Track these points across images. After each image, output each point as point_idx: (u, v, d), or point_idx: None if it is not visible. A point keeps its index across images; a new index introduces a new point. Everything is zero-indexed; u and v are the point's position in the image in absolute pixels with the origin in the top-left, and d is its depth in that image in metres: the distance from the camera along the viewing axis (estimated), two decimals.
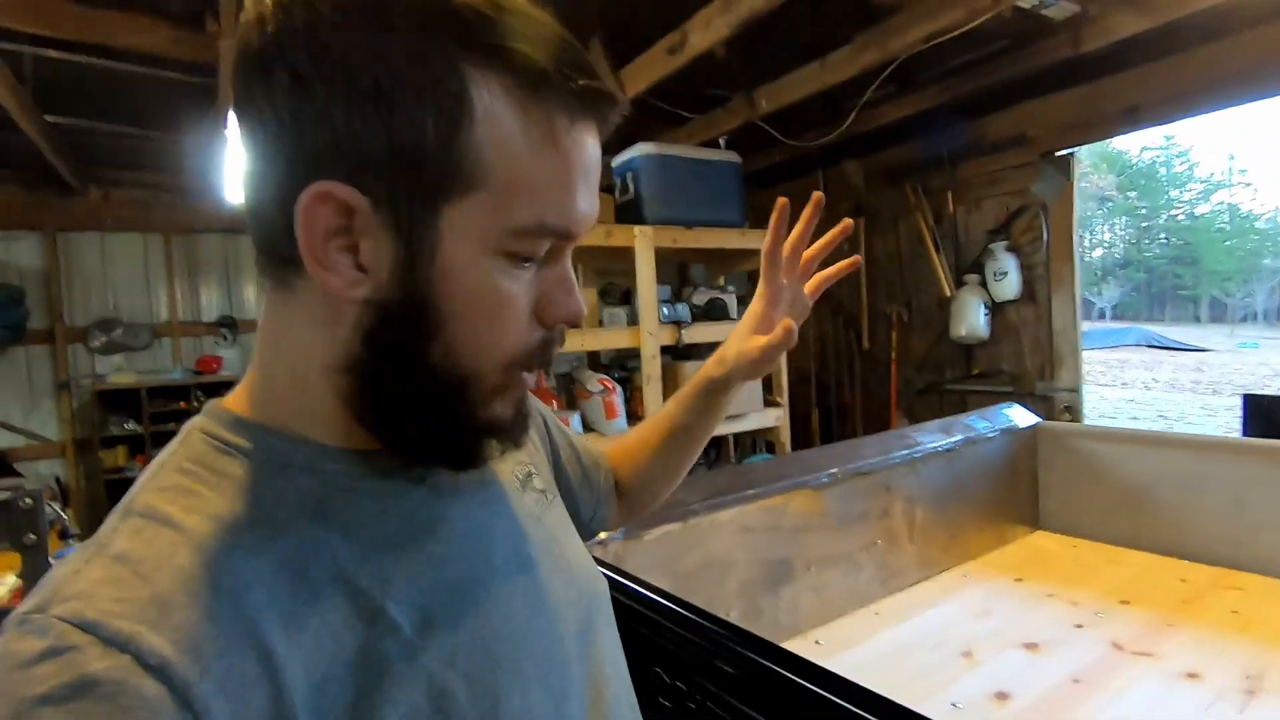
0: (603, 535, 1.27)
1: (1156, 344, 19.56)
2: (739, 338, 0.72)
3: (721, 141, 3.35)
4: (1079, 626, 1.48)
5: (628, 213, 2.94)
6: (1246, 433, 2.00)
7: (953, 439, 1.91)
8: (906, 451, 1.79)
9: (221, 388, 4.74)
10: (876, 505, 1.71)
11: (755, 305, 0.72)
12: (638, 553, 1.30)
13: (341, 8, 0.34)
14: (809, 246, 0.73)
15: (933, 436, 1.90)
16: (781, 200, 0.69)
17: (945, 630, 1.51)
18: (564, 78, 0.36)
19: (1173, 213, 33.54)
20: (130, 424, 4.49)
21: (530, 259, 0.40)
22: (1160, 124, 2.89)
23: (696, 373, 0.76)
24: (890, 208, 4.04)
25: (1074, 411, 3.20)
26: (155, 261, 4.75)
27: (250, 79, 0.36)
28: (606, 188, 2.94)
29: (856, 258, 0.76)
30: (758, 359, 0.68)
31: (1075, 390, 3.21)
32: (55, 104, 3.19)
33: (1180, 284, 34.63)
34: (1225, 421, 9.10)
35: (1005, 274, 3.35)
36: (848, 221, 0.71)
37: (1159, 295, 35.92)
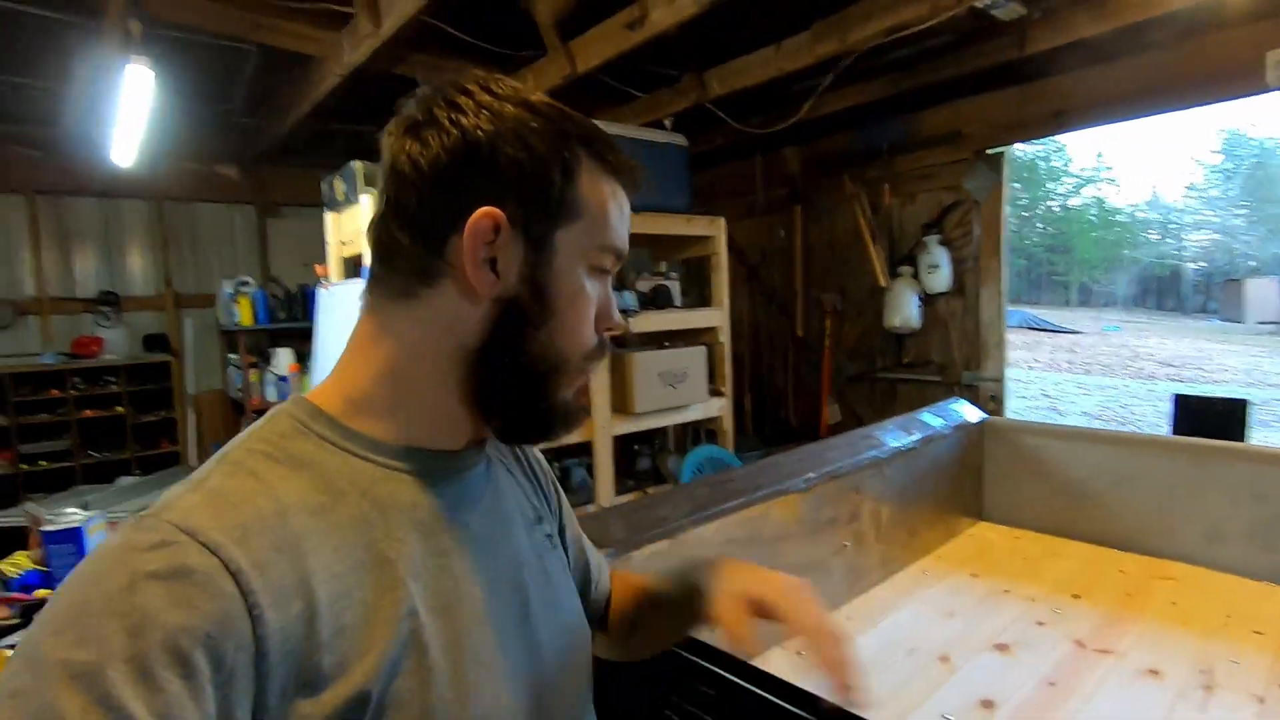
0: None
1: (1036, 325, 21.24)
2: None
3: (667, 123, 3.24)
4: (1041, 624, 1.53)
5: None
6: (1175, 431, 2.13)
7: (913, 437, 1.92)
8: (874, 453, 1.79)
9: (104, 372, 4.24)
10: (846, 509, 1.71)
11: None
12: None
13: (501, 109, 0.52)
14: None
15: (895, 435, 1.91)
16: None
17: (916, 634, 1.52)
18: (620, 160, 0.56)
19: (1049, 204, 36.33)
20: None
21: (604, 271, 0.57)
22: (1084, 128, 3.04)
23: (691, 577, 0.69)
24: (827, 197, 4.08)
25: (998, 400, 3.36)
26: (16, 226, 4.13)
27: (427, 141, 0.51)
28: None
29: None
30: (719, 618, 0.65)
31: (999, 380, 3.37)
32: None
33: (1054, 270, 37.68)
34: (1096, 400, 10.01)
35: (937, 267, 3.46)
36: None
37: (1036, 280, 38.96)
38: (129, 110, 2.62)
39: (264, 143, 4.18)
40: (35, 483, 4.00)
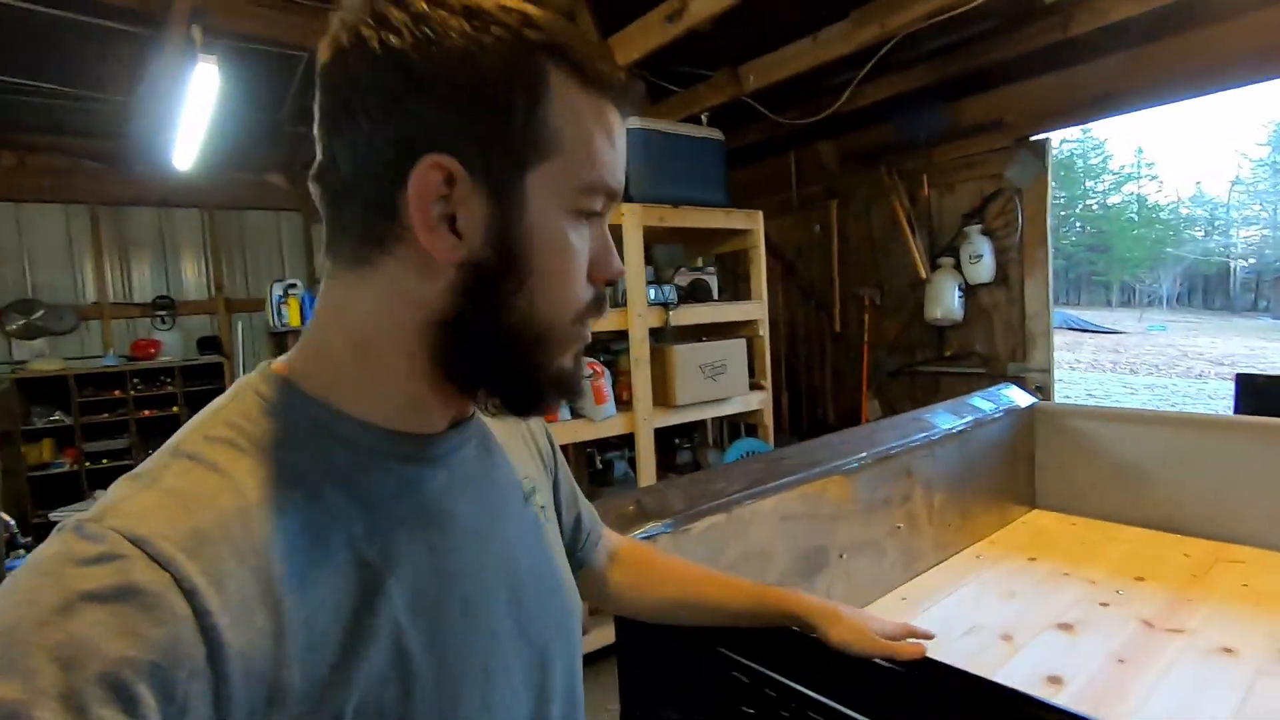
0: (652, 527, 1.20)
1: (1076, 326, 20.71)
2: (855, 616, 0.81)
3: (703, 118, 3.26)
4: (1105, 605, 1.50)
5: None
6: (1238, 410, 2.08)
7: (963, 420, 1.90)
8: (924, 435, 1.78)
9: (160, 374, 4.40)
10: (899, 490, 1.69)
11: (871, 619, 0.83)
12: (686, 546, 1.24)
13: (443, 21, 0.41)
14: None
15: (945, 418, 1.89)
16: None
17: (976, 614, 1.50)
18: (607, 73, 0.45)
19: (1087, 203, 35.44)
20: (57, 415, 4.10)
21: (592, 215, 0.47)
22: (1132, 110, 2.98)
23: (783, 595, 0.83)
24: (864, 190, 4.06)
25: (1045, 391, 3.29)
26: (80, 236, 4.33)
27: (355, 76, 0.42)
28: None
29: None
30: (854, 630, 0.79)
31: (1046, 371, 3.30)
32: None
33: (1094, 270, 36.72)
34: (1144, 399, 9.71)
35: (980, 257, 3.41)
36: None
37: (1075, 280, 38.01)
38: (193, 111, 2.74)
39: (311, 151, 4.31)
40: (97, 479, 4.17)
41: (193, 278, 4.75)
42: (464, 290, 0.44)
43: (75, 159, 4.15)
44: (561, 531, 0.72)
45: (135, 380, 4.27)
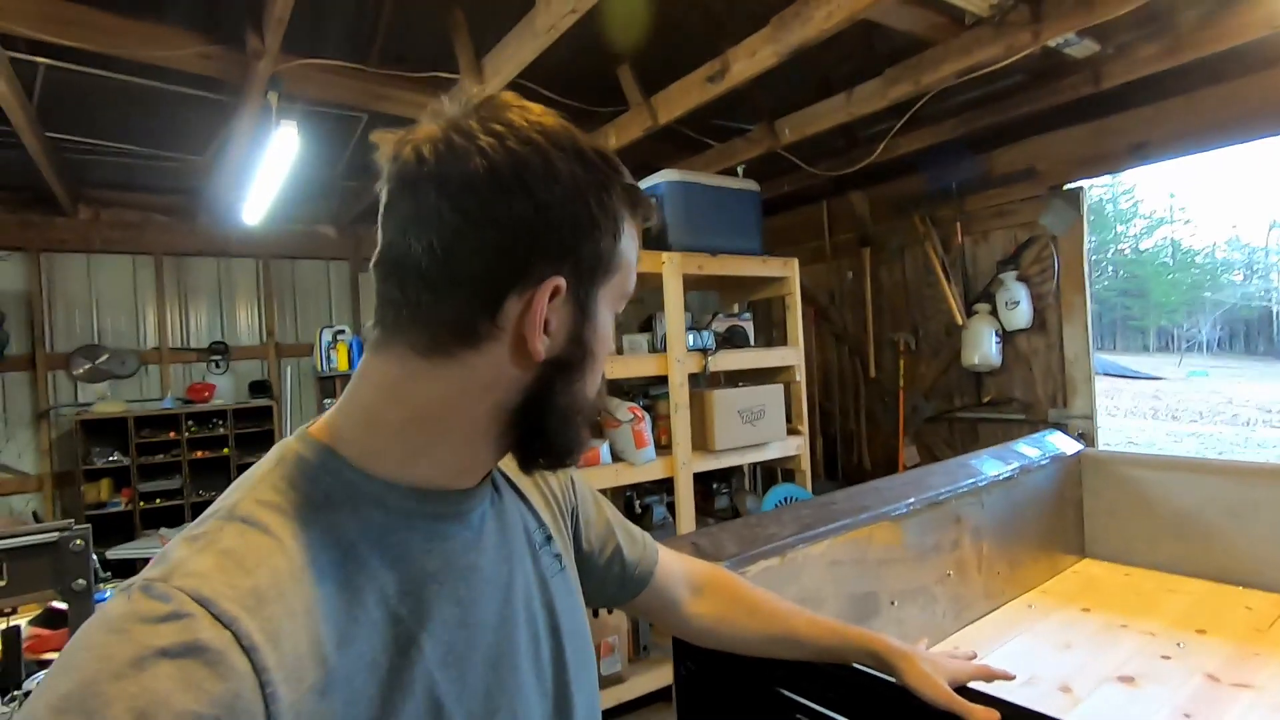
0: None
1: (1114, 372, 20.21)
2: (930, 660, 0.84)
3: (739, 170, 3.37)
4: (1166, 658, 1.47)
5: (650, 239, 2.93)
6: None
7: (1010, 466, 1.90)
8: (971, 481, 1.78)
9: (213, 417, 4.56)
10: (948, 536, 1.69)
11: (944, 662, 0.86)
12: None
13: (556, 159, 0.48)
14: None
15: (991, 464, 1.89)
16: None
17: (1031, 664, 1.48)
18: (645, 205, 0.55)
19: (1120, 248, 34.96)
20: (116, 455, 4.26)
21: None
22: (1167, 159, 3.01)
23: (865, 633, 0.86)
24: (896, 237, 4.11)
25: (1088, 438, 3.24)
26: (144, 285, 4.57)
27: (477, 186, 0.46)
28: None
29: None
30: (927, 678, 0.81)
31: (1089, 418, 3.26)
32: (54, 119, 3.07)
33: (1129, 315, 35.95)
34: (1190, 446, 9.40)
35: (1017, 303, 3.42)
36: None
37: (1109, 326, 37.22)
38: (269, 171, 2.92)
39: (362, 204, 4.53)
40: (149, 519, 4.29)
41: (246, 324, 4.95)
42: (540, 379, 0.50)
43: (146, 213, 4.43)
44: (597, 568, 0.76)
45: (190, 422, 4.43)
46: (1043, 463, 2.00)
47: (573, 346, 0.51)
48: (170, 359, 4.65)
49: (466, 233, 0.46)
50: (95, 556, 1.66)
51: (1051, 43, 2.42)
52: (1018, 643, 1.59)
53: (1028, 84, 2.90)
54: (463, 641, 0.50)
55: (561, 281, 0.48)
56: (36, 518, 4.08)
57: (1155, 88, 2.76)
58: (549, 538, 0.65)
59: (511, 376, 0.49)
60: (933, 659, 0.83)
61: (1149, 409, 13.89)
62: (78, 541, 1.27)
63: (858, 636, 0.85)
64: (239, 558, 0.42)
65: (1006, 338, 3.57)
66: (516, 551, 0.59)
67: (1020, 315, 3.44)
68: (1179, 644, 1.52)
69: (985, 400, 3.74)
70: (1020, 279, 3.47)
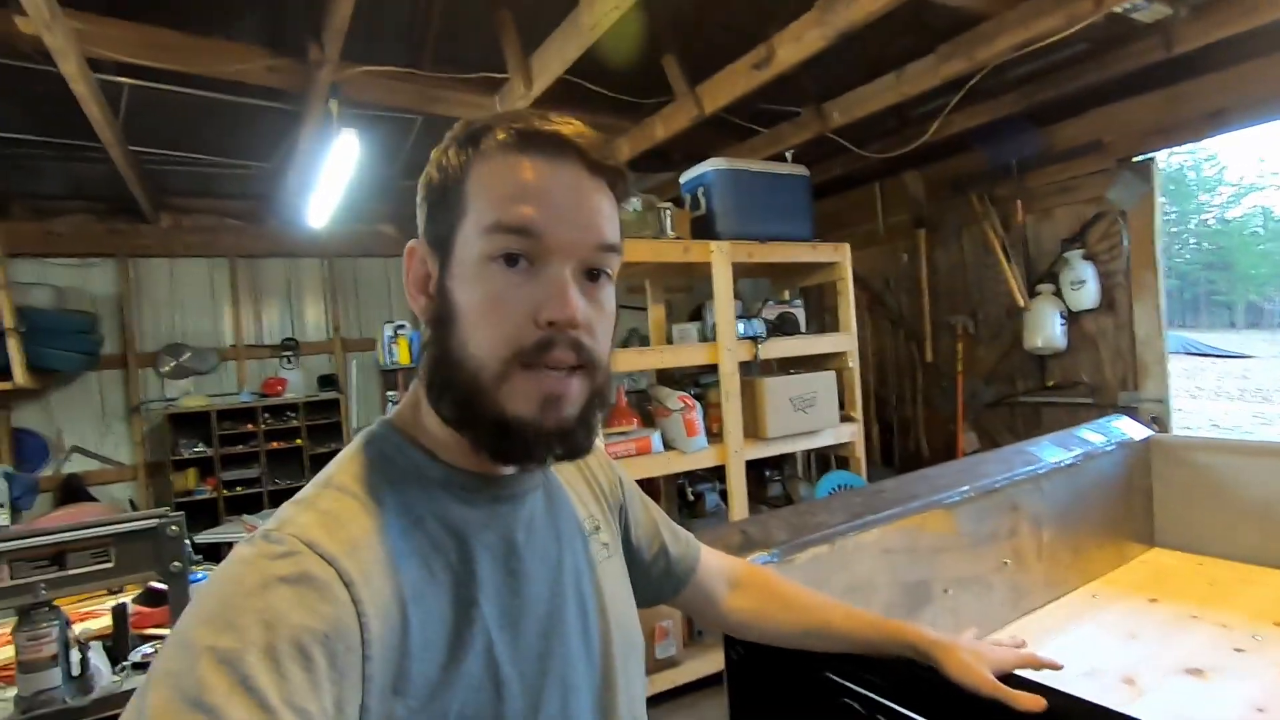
0: (757, 557, 1.25)
1: (1196, 351, 18.99)
2: (972, 649, 0.83)
3: (788, 155, 3.33)
4: (1239, 650, 1.41)
5: (699, 228, 2.93)
6: None
7: (1072, 453, 1.85)
8: (1030, 468, 1.74)
9: (286, 409, 4.81)
10: (1005, 524, 1.66)
11: (988, 650, 0.85)
12: (790, 576, 1.27)
13: (441, 150, 0.57)
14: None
15: (1051, 451, 1.84)
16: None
17: (1095, 655, 1.45)
18: (525, 130, 0.53)
19: (1203, 218, 32.72)
20: (200, 447, 4.56)
21: (513, 260, 0.51)
22: (1248, 126, 2.82)
23: (900, 625, 0.85)
24: (952, 217, 3.99)
25: (1161, 422, 3.10)
26: (221, 286, 4.85)
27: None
28: (674, 200, 2.93)
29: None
30: (969, 667, 0.80)
31: (1162, 401, 3.12)
32: (137, 134, 3.28)
33: (1214, 289, 33.69)
34: None
35: (1083, 283, 3.28)
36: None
37: (1191, 301, 34.97)
38: (332, 175, 3.06)
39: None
40: (232, 506, 4.57)
41: (314, 321, 5.19)
42: (427, 340, 0.55)
43: (220, 218, 4.69)
44: (643, 564, 0.79)
45: (265, 415, 4.70)
46: (1108, 449, 1.93)
47: (439, 301, 0.54)
48: (245, 355, 4.92)
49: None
50: (187, 541, 1.80)
51: (1118, 8, 2.30)
52: (1080, 633, 1.56)
53: (1092, 52, 2.76)
54: (516, 609, 0.55)
55: (417, 244, 0.56)
56: (133, 505, 4.40)
57: (1233, 50, 2.59)
58: (598, 527, 0.69)
59: (425, 340, 0.56)
60: (975, 648, 0.82)
61: (1235, 389, 13.04)
62: (173, 527, 1.38)
63: (895, 630, 0.85)
64: (335, 515, 0.49)
65: (1072, 319, 3.43)
66: (566, 534, 0.64)
67: (1086, 295, 3.30)
68: (1255, 636, 1.46)
69: (1049, 384, 3.61)
70: (1086, 257, 3.33)
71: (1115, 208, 3.20)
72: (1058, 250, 3.45)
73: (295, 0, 2.24)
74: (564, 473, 0.70)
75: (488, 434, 0.53)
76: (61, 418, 4.38)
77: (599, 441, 0.94)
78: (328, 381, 5.11)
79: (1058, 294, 3.43)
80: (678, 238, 2.79)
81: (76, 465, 4.40)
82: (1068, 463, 1.80)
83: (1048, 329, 3.41)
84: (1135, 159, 3.12)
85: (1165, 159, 3.08)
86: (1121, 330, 3.27)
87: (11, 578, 1.25)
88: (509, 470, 0.58)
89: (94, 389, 4.49)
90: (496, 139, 0.53)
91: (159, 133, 3.35)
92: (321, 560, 0.45)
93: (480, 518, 0.56)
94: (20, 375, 3.63)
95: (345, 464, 0.55)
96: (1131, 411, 3.14)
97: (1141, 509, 2.04)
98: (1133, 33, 2.53)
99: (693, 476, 3.26)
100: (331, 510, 0.50)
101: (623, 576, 0.70)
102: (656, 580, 0.81)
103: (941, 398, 4.20)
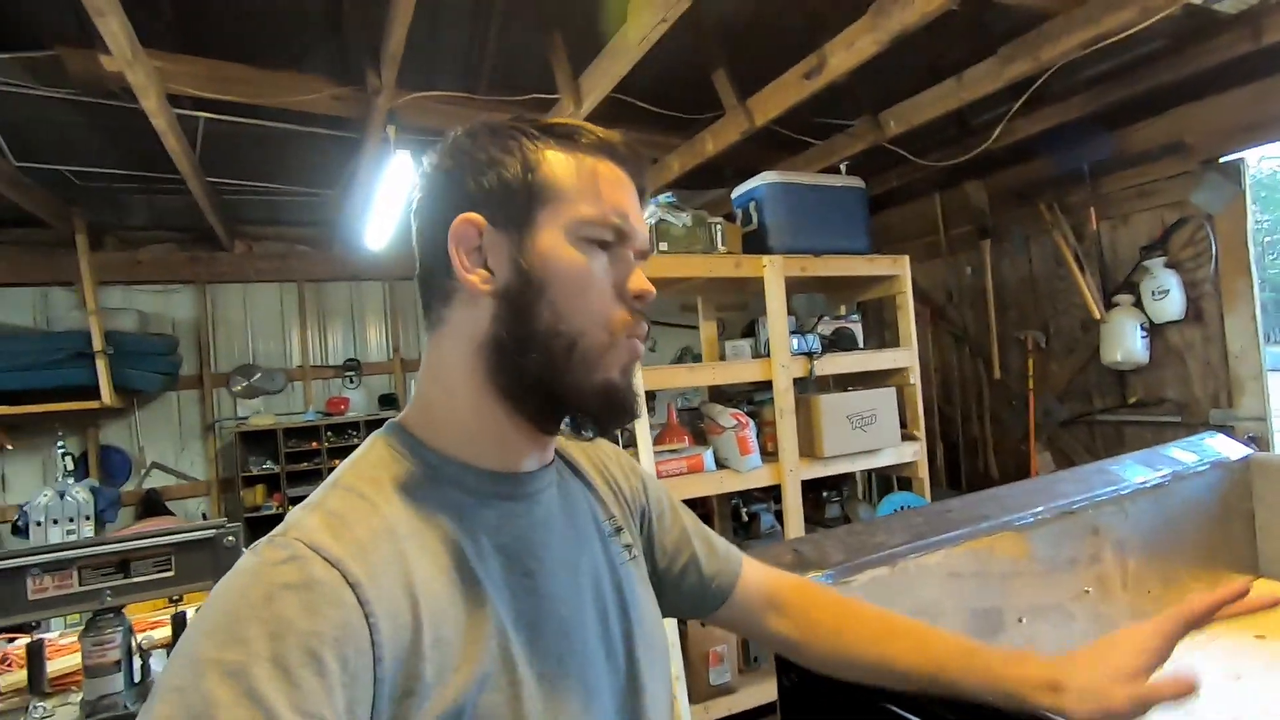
0: (811, 577, 1.18)
1: None
2: (1091, 669, 0.63)
3: (842, 168, 3.26)
4: None
5: (751, 243, 2.89)
6: None
7: (1160, 474, 1.70)
8: (1111, 489, 1.61)
9: (348, 428, 4.96)
10: (1085, 549, 1.54)
11: (1127, 645, 0.66)
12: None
13: (471, 133, 0.59)
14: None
15: (1135, 470, 1.71)
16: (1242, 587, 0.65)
17: (1193, 698, 1.31)
18: (597, 139, 0.59)
19: None
20: (268, 464, 4.74)
21: (606, 244, 0.57)
22: None
23: (997, 668, 0.67)
24: (1019, 228, 3.82)
25: (1261, 443, 2.85)
26: (289, 309, 5.08)
27: (429, 171, 0.60)
28: (727, 217, 2.90)
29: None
30: (1119, 709, 0.60)
31: (1263, 419, 2.87)
32: (212, 165, 3.48)
33: None
34: None
35: (1166, 292, 3.07)
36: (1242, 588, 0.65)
37: None
38: (389, 198, 3.17)
39: None
40: None
41: (375, 341, 5.37)
42: (498, 313, 0.55)
43: (289, 244, 4.93)
44: (669, 573, 0.75)
45: (328, 433, 4.85)
46: (1200, 469, 1.78)
47: (514, 275, 0.55)
48: (311, 375, 5.12)
49: (423, 209, 0.60)
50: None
51: (1196, 0, 2.17)
52: (1174, 670, 1.41)
53: (1170, 49, 2.61)
54: (532, 609, 0.55)
55: (474, 216, 0.55)
56: (205, 519, 4.61)
57: None
58: (619, 529, 0.68)
59: (474, 319, 0.56)
60: (1091, 675, 0.63)
61: None
62: (230, 538, 1.42)
63: (990, 673, 0.66)
64: (342, 516, 0.49)
65: (1154, 331, 3.21)
66: (584, 534, 0.64)
67: (1171, 306, 3.08)
68: None
69: (1131, 401, 3.38)
70: (1169, 265, 3.12)
71: (1201, 212, 3.00)
72: (1136, 259, 3.25)
73: (354, 28, 2.33)
74: (583, 474, 0.69)
75: (571, 401, 0.56)
76: (143, 435, 4.64)
77: (623, 448, 0.90)
78: (388, 400, 5.25)
79: (1138, 305, 3.22)
80: (729, 252, 2.75)
81: (156, 480, 4.64)
82: (1154, 483, 1.66)
83: (1128, 342, 3.20)
84: (1222, 159, 2.91)
85: (1256, 163, 2.86)
86: (1211, 343, 3.04)
87: (80, 584, 1.31)
88: (529, 467, 0.60)
89: (173, 408, 4.75)
90: (566, 139, 0.58)
91: (232, 164, 3.54)
92: (326, 564, 0.45)
93: (493, 516, 0.56)
94: (107, 395, 3.87)
95: (354, 464, 0.55)
96: (1226, 430, 2.90)
97: (1242, 535, 1.86)
98: (1214, 25, 2.38)
99: (747, 496, 3.18)
100: (338, 511, 0.49)
101: (643, 580, 0.69)
102: (689, 594, 0.76)
103: (1011, 416, 3.99)
